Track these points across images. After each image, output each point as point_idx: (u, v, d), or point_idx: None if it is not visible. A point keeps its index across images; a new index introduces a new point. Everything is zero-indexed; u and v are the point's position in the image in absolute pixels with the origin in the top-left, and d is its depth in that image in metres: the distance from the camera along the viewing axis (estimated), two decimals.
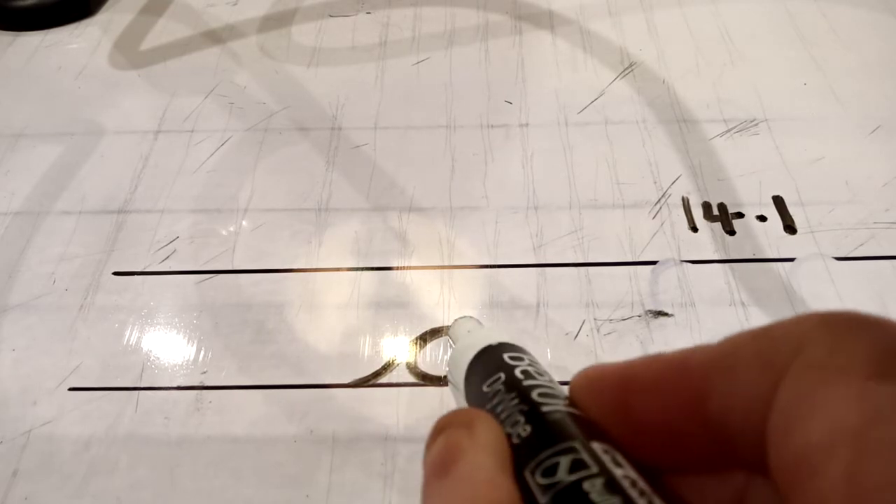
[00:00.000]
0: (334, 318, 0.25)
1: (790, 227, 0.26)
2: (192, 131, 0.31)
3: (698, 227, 0.27)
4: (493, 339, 0.17)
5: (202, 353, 0.24)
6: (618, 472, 0.10)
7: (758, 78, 0.32)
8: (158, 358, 0.24)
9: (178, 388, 0.23)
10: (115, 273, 0.26)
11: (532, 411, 0.13)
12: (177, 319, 0.25)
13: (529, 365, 0.15)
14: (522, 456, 0.12)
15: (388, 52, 0.35)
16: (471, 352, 0.17)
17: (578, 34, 0.35)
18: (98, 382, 0.23)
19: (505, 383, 0.15)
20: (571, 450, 0.11)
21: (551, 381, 0.14)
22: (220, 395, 0.23)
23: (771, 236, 0.26)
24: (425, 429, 0.22)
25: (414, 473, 0.21)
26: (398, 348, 0.24)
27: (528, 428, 0.12)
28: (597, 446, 0.11)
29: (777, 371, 0.09)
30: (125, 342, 0.24)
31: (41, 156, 0.31)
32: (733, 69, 0.33)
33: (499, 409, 0.14)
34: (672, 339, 0.23)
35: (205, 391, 0.23)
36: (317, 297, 0.25)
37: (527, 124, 0.31)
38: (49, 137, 0.32)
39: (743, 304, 0.24)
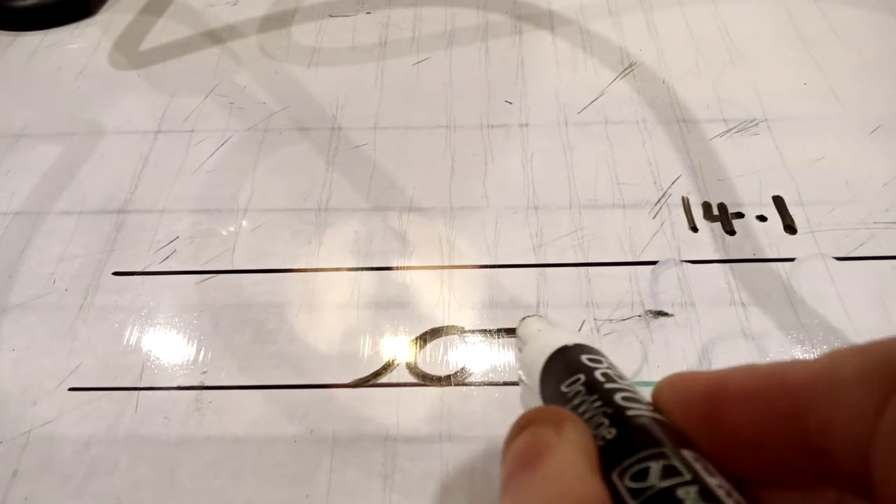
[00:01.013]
0: (334, 318, 0.25)
1: (790, 227, 0.26)
2: (192, 131, 0.31)
3: (698, 227, 0.27)
4: (569, 339, 0.17)
5: (202, 353, 0.24)
6: (711, 480, 0.10)
7: (758, 78, 0.32)
8: (158, 358, 0.24)
9: (178, 388, 0.23)
10: (115, 273, 0.26)
11: (617, 414, 0.13)
12: (177, 319, 0.25)
13: (608, 368, 0.15)
14: (609, 458, 0.12)
15: (388, 52, 0.35)
16: (547, 351, 0.17)
17: (578, 34, 0.35)
18: (98, 382, 0.23)
19: (585, 385, 0.15)
20: (662, 455, 0.11)
21: (631, 385, 0.14)
22: (220, 395, 0.23)
23: (771, 236, 0.26)
24: (425, 429, 0.23)
25: (414, 473, 0.21)
26: (398, 348, 0.24)
27: (614, 431, 0.12)
28: (687, 454, 0.11)
29: (883, 392, 0.09)
30: (125, 342, 0.24)
31: (41, 156, 0.31)
32: (733, 69, 0.33)
33: (580, 409, 0.14)
34: (672, 338, 0.23)
35: (205, 391, 0.23)
36: (317, 297, 0.25)
37: (527, 124, 0.31)
38: (49, 137, 0.32)
39: (743, 304, 0.24)
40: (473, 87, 0.33)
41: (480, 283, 0.25)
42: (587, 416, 0.13)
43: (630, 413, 0.13)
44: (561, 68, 0.34)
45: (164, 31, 0.37)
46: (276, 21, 0.37)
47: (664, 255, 0.26)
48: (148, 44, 0.37)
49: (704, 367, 0.23)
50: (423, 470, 0.21)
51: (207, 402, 0.23)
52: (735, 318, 0.24)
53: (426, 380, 0.23)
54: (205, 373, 0.23)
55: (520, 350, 0.22)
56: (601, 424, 0.13)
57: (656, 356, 0.23)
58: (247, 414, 0.22)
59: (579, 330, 0.24)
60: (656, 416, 0.13)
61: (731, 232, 0.26)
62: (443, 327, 0.24)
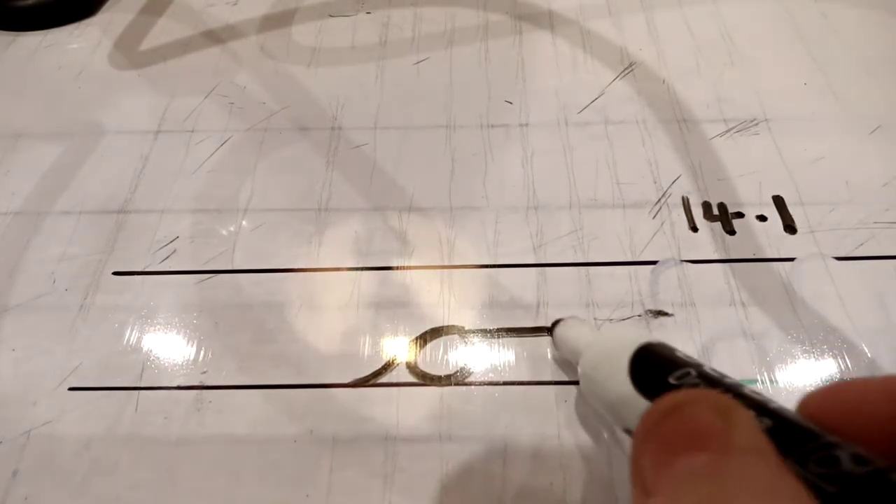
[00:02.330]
0: (334, 318, 0.25)
1: (790, 227, 0.26)
2: (192, 131, 0.31)
3: (698, 226, 0.27)
4: (647, 337, 0.17)
5: (202, 353, 0.24)
6: None
7: (758, 78, 0.32)
8: (158, 358, 0.24)
9: (178, 388, 0.23)
10: (115, 273, 0.26)
11: (761, 406, 0.12)
12: (177, 319, 0.25)
13: (709, 365, 0.15)
14: (778, 446, 0.11)
15: (388, 52, 0.35)
16: (625, 351, 0.17)
17: (578, 34, 0.35)
18: (98, 382, 0.23)
19: (702, 378, 0.14)
20: (837, 445, 0.11)
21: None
22: (220, 395, 0.23)
23: (771, 236, 0.26)
24: (425, 429, 0.23)
25: (414, 473, 0.21)
26: (398, 348, 0.24)
27: (768, 421, 0.12)
28: (856, 446, 0.11)
29: None
30: (125, 342, 0.24)
31: (41, 156, 0.31)
32: (733, 69, 0.33)
33: None
34: (672, 338, 0.23)
35: (205, 391, 0.23)
36: (317, 297, 0.25)
37: (527, 124, 0.31)
38: (49, 137, 0.32)
39: (743, 303, 0.24)
40: (473, 87, 0.33)
41: (480, 283, 0.25)
42: None
43: (773, 406, 0.12)
44: (561, 68, 0.33)
45: (164, 31, 0.37)
46: (276, 21, 0.37)
47: (664, 254, 0.26)
48: (148, 44, 0.37)
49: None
50: (423, 470, 0.21)
51: (207, 402, 0.23)
52: (735, 318, 0.24)
53: (426, 380, 0.23)
54: (205, 373, 0.23)
55: (564, 354, 0.22)
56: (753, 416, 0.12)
57: None
58: (247, 414, 0.22)
59: None
60: (792, 411, 0.12)
61: (731, 232, 0.26)
62: (443, 327, 0.24)
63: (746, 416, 0.11)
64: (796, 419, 0.12)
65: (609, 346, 0.18)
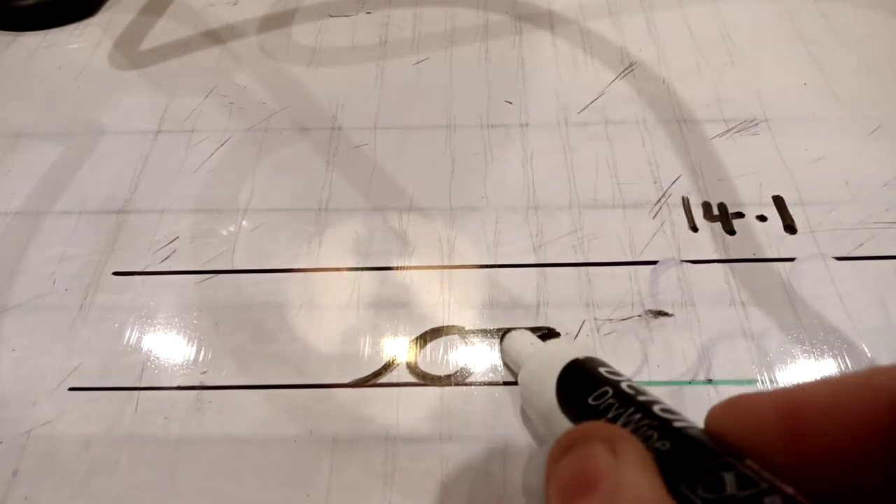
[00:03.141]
0: (334, 318, 0.25)
1: (790, 227, 0.26)
2: (192, 131, 0.31)
3: (698, 226, 0.27)
4: (577, 352, 0.17)
5: (202, 353, 0.24)
6: (788, 489, 0.10)
7: (758, 78, 0.32)
8: (158, 358, 0.24)
9: (178, 388, 0.23)
10: (115, 273, 0.26)
11: (664, 426, 0.13)
12: (177, 319, 0.25)
13: (629, 381, 0.15)
14: (671, 471, 0.11)
15: (388, 52, 0.35)
16: (556, 364, 0.17)
17: (578, 34, 0.35)
18: (98, 382, 0.23)
19: (617, 397, 0.14)
20: (729, 465, 0.11)
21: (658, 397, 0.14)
22: (221, 395, 0.23)
23: (771, 236, 0.26)
24: (425, 429, 0.23)
25: (414, 473, 0.21)
26: (398, 348, 0.24)
27: (667, 443, 0.12)
28: (750, 463, 0.11)
29: None
30: (125, 342, 0.24)
31: (41, 156, 0.31)
32: (733, 69, 0.33)
33: (619, 423, 0.13)
34: (672, 338, 0.23)
35: (205, 391, 0.23)
36: (317, 297, 0.25)
37: (527, 124, 0.31)
38: (49, 137, 0.32)
39: (743, 303, 0.24)
40: (473, 87, 0.33)
41: (480, 283, 0.25)
42: (630, 429, 0.13)
43: (677, 425, 0.13)
44: (561, 68, 0.34)
45: (164, 31, 0.37)
46: (276, 21, 0.37)
47: (664, 255, 0.26)
48: (148, 44, 0.37)
49: (704, 367, 0.23)
50: (423, 470, 0.21)
51: (207, 402, 0.23)
52: (735, 318, 0.24)
53: (426, 380, 0.23)
54: (205, 373, 0.23)
55: (509, 364, 0.22)
56: (650, 437, 0.12)
57: (656, 356, 0.23)
58: (247, 414, 0.22)
59: (579, 330, 0.24)
60: (701, 428, 0.12)
61: (731, 232, 0.26)
62: (443, 327, 0.24)
63: (633, 447, 0.12)
64: (698, 438, 0.12)
65: (541, 362, 0.18)
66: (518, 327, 0.23)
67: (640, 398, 0.14)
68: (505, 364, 0.23)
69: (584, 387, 0.16)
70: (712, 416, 0.13)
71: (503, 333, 0.23)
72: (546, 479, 0.13)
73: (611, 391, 0.15)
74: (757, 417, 0.12)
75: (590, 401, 0.15)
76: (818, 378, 0.12)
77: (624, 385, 0.15)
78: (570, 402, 0.16)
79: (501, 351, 0.23)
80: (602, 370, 0.16)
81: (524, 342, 0.21)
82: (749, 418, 0.12)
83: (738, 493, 0.10)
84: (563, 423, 0.16)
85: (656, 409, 0.13)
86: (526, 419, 0.21)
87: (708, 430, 0.13)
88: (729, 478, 0.11)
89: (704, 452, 0.12)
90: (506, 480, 0.20)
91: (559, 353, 0.18)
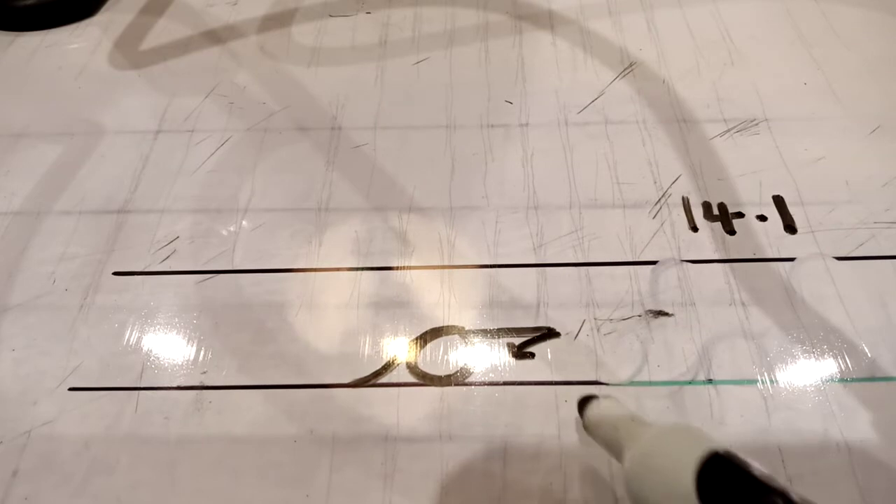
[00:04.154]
0: (334, 318, 0.25)
1: (790, 227, 0.26)
2: (192, 131, 0.31)
3: (698, 226, 0.27)
4: (707, 441, 0.15)
5: (202, 353, 0.24)
6: None
7: (758, 78, 0.32)
8: (158, 358, 0.24)
9: (178, 388, 0.23)
10: (115, 273, 0.26)
11: None
12: (177, 319, 0.25)
13: (790, 487, 0.13)
14: None
15: (388, 52, 0.35)
16: (689, 455, 0.15)
17: (578, 34, 0.35)
18: (98, 382, 0.23)
19: None
20: None
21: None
22: (220, 395, 0.23)
23: (771, 236, 0.26)
24: (425, 429, 0.23)
25: (414, 473, 0.21)
26: (398, 348, 0.24)
27: None
28: None
29: None
30: (125, 342, 0.24)
31: (41, 156, 0.31)
32: (733, 69, 0.33)
33: None
34: (672, 338, 0.23)
35: (205, 391, 0.23)
36: (317, 297, 0.25)
37: (527, 124, 0.31)
38: (49, 137, 0.32)
39: (743, 303, 0.24)
40: (473, 87, 0.33)
41: (480, 283, 0.25)
42: None
43: None
44: (561, 68, 0.33)
45: (164, 31, 0.37)
46: (276, 21, 0.37)
47: (664, 254, 0.26)
48: (148, 44, 0.36)
49: (704, 367, 0.23)
50: (423, 470, 0.21)
51: (207, 402, 0.23)
52: (735, 318, 0.24)
53: (426, 380, 0.23)
54: (205, 373, 0.23)
55: (600, 437, 0.19)
56: None
57: (656, 356, 0.23)
58: (247, 414, 0.22)
59: (579, 330, 0.24)
60: None
61: (732, 232, 0.26)
62: (443, 327, 0.24)
63: None
64: None
65: (663, 448, 0.16)
66: (605, 396, 0.20)
67: None
68: (586, 432, 0.20)
69: (736, 491, 0.14)
70: None
71: (581, 400, 0.20)
72: None
73: (780, 501, 0.13)
74: None
75: None
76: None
77: (793, 494, 0.13)
78: None
79: (586, 421, 0.20)
80: (754, 472, 0.14)
81: (618, 412, 0.18)
82: None
83: None
84: None
85: None
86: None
87: None
88: None
89: None
90: (506, 480, 0.20)
91: (688, 441, 0.15)
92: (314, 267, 0.26)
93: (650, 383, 0.22)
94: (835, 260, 0.25)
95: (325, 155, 0.30)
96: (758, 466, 0.14)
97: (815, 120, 0.30)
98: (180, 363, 0.24)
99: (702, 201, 0.27)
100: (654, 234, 0.26)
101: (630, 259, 0.26)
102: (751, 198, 0.27)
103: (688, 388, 0.22)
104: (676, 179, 0.28)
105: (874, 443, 0.21)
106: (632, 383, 0.22)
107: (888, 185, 0.28)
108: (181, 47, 0.36)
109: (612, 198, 0.28)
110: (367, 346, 0.24)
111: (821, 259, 0.25)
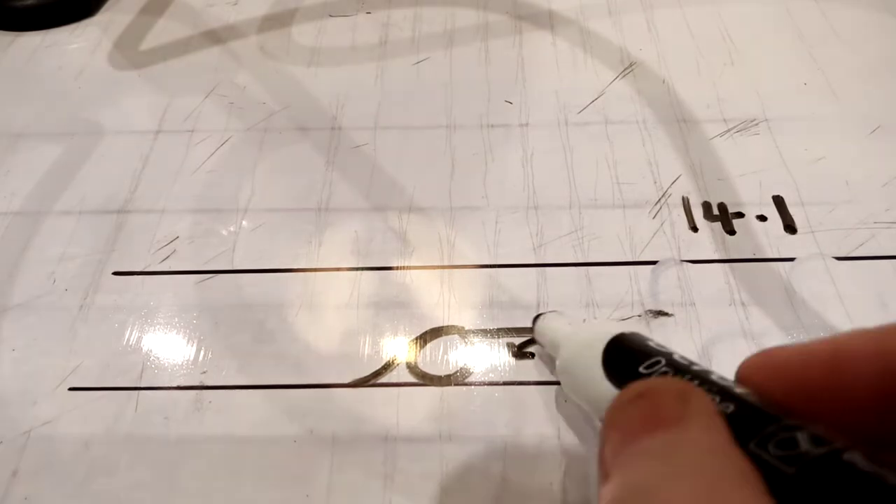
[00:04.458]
0: (334, 318, 0.25)
1: (790, 227, 0.26)
2: (192, 131, 0.31)
3: (698, 226, 0.27)
4: (621, 328, 0.17)
5: (202, 353, 0.24)
6: (856, 451, 0.10)
7: (758, 78, 0.32)
8: (158, 358, 0.24)
9: (178, 388, 0.23)
10: (115, 273, 0.26)
11: (725, 391, 0.13)
12: (177, 319, 0.25)
13: (680, 354, 0.15)
14: (740, 431, 0.11)
15: (388, 52, 0.35)
16: (599, 342, 0.17)
17: (578, 34, 0.35)
18: (98, 382, 0.23)
19: (671, 366, 0.15)
20: (798, 426, 0.11)
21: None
22: (220, 395, 0.23)
23: (771, 236, 0.26)
24: (425, 429, 0.23)
25: (414, 473, 0.21)
26: (398, 348, 0.24)
27: (731, 406, 0.12)
28: (820, 427, 0.11)
29: None
30: (125, 342, 0.24)
31: (41, 156, 0.31)
32: (733, 69, 0.33)
33: None
34: (672, 338, 0.23)
35: (205, 391, 0.23)
36: (317, 297, 0.25)
37: (527, 124, 0.31)
38: (49, 137, 0.32)
39: (743, 303, 0.24)
40: (473, 87, 0.33)
41: (480, 283, 0.25)
42: None
43: (738, 391, 0.13)
44: (561, 68, 0.34)
45: (164, 31, 0.37)
46: (276, 21, 0.37)
47: (664, 254, 0.26)
48: (148, 44, 0.37)
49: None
50: (423, 470, 0.21)
51: (207, 402, 0.23)
52: (735, 318, 0.24)
53: (426, 380, 0.23)
54: (205, 373, 0.23)
55: (544, 345, 0.22)
56: (712, 400, 0.12)
57: None
58: (247, 414, 0.22)
59: None
60: (756, 394, 0.12)
61: (731, 232, 0.26)
62: (443, 327, 0.24)
63: (704, 399, 0.12)
64: (759, 404, 0.12)
65: (584, 339, 0.18)
66: (551, 311, 0.23)
67: (696, 367, 0.14)
68: (540, 353, 0.22)
69: (634, 357, 0.16)
70: (743, 373, 0.13)
71: (535, 317, 0.23)
72: (605, 425, 0.12)
73: (664, 360, 0.15)
74: (792, 371, 0.12)
75: (642, 369, 0.15)
76: (853, 329, 0.11)
77: (677, 356, 0.15)
78: (620, 374, 0.16)
79: (535, 332, 0.22)
80: (650, 343, 0.16)
81: (560, 321, 0.21)
82: (784, 371, 0.12)
83: (812, 450, 0.10)
84: (612, 396, 0.16)
85: (713, 377, 0.13)
86: (560, 406, 0.21)
87: (741, 385, 0.13)
88: (802, 436, 0.10)
89: (769, 414, 0.11)
90: (506, 480, 0.20)
91: (601, 330, 0.17)
92: (314, 267, 0.26)
93: None
94: (835, 260, 0.25)
95: (325, 155, 0.30)
96: (656, 341, 0.16)
97: (815, 120, 0.30)
98: (180, 363, 0.24)
99: (702, 201, 0.27)
100: (654, 234, 0.26)
101: (630, 259, 0.26)
102: (751, 198, 0.27)
103: None
104: (676, 179, 0.28)
105: None
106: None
107: (888, 185, 0.28)
108: (181, 47, 0.36)
109: (612, 198, 0.28)
110: (366, 346, 0.24)
111: (821, 259, 0.25)
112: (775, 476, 0.10)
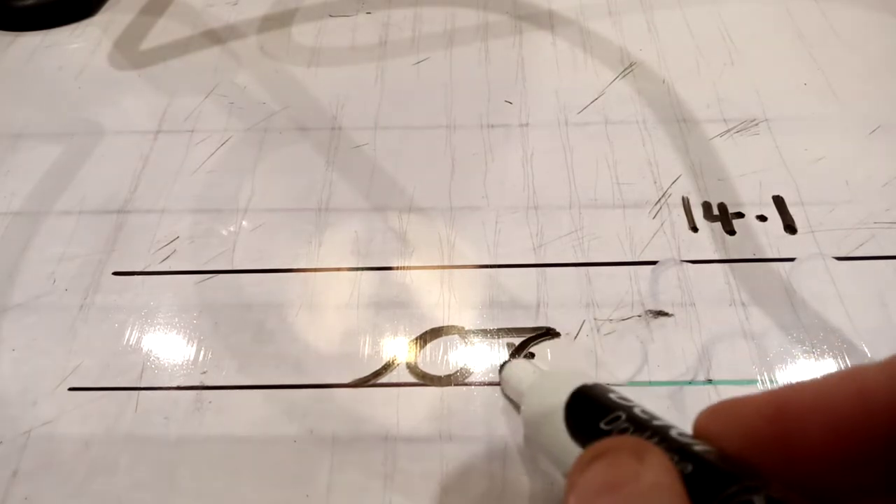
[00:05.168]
0: (334, 318, 0.25)
1: (790, 227, 0.26)
2: (192, 131, 0.31)
3: (698, 227, 0.27)
4: (583, 379, 0.17)
5: (202, 353, 0.24)
6: None
7: (758, 78, 0.32)
8: (158, 358, 0.24)
9: (178, 388, 0.23)
10: (115, 273, 0.26)
11: (683, 450, 0.13)
12: (177, 319, 0.25)
13: (641, 407, 0.15)
14: (697, 492, 0.11)
15: (388, 52, 0.35)
16: (562, 393, 0.17)
17: (578, 34, 0.35)
18: (98, 382, 0.23)
19: (630, 421, 0.14)
20: (755, 488, 0.11)
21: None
22: (220, 395, 0.23)
23: (771, 236, 0.26)
24: (425, 429, 0.23)
25: (414, 473, 0.21)
26: (398, 348, 0.24)
27: (689, 466, 0.12)
28: (775, 485, 0.11)
29: None
30: (125, 342, 0.24)
31: (41, 156, 0.31)
32: (733, 69, 0.33)
33: None
34: (672, 338, 0.23)
35: (205, 391, 0.23)
36: (317, 297, 0.25)
37: (527, 124, 0.31)
38: (49, 137, 0.32)
39: (743, 304, 0.24)
40: (473, 87, 0.33)
41: (480, 283, 0.25)
42: None
43: (697, 448, 0.13)
44: (561, 68, 0.34)
45: (164, 31, 0.37)
46: (276, 21, 0.37)
47: (664, 255, 0.26)
48: (148, 44, 0.37)
49: (704, 367, 0.23)
50: (423, 470, 0.21)
51: (207, 402, 0.23)
52: (735, 318, 0.24)
53: (426, 380, 0.23)
54: (205, 373, 0.23)
55: (509, 394, 0.22)
56: (670, 460, 0.12)
57: (656, 356, 0.23)
58: (247, 414, 0.22)
59: (579, 330, 0.24)
60: (716, 450, 0.12)
61: (732, 232, 0.26)
62: (443, 327, 0.24)
63: (660, 456, 0.12)
64: (718, 463, 0.12)
65: (548, 390, 0.18)
66: (519, 357, 0.23)
67: (657, 422, 0.14)
68: (504, 395, 0.22)
69: (595, 412, 0.16)
70: (700, 423, 0.13)
71: (502, 364, 0.22)
72: (567, 490, 0.12)
73: (624, 415, 0.15)
74: (743, 422, 0.12)
75: (602, 425, 0.15)
76: (802, 379, 0.11)
77: (637, 410, 0.15)
78: (581, 430, 0.16)
79: (501, 380, 0.22)
80: (612, 396, 0.16)
81: (526, 370, 0.21)
82: (736, 423, 0.12)
83: None
84: (575, 452, 0.15)
85: (673, 433, 0.13)
86: (526, 454, 0.21)
87: (697, 437, 0.13)
88: (758, 500, 0.11)
89: (728, 475, 0.11)
90: (506, 480, 0.20)
91: (564, 381, 0.17)
92: (314, 267, 0.26)
93: (650, 383, 0.22)
94: (835, 260, 0.25)
95: (325, 155, 0.30)
96: (619, 392, 0.16)
97: (815, 120, 0.30)
98: (180, 363, 0.24)
99: (702, 201, 0.27)
100: (654, 234, 0.26)
101: (630, 259, 0.26)
102: (751, 198, 0.27)
103: (688, 388, 0.22)
104: (676, 179, 0.28)
105: None
106: (631, 383, 0.22)
107: (888, 185, 0.28)
108: (181, 47, 0.36)
109: (612, 198, 0.28)
110: (366, 346, 0.24)
111: (821, 259, 0.25)
112: None
